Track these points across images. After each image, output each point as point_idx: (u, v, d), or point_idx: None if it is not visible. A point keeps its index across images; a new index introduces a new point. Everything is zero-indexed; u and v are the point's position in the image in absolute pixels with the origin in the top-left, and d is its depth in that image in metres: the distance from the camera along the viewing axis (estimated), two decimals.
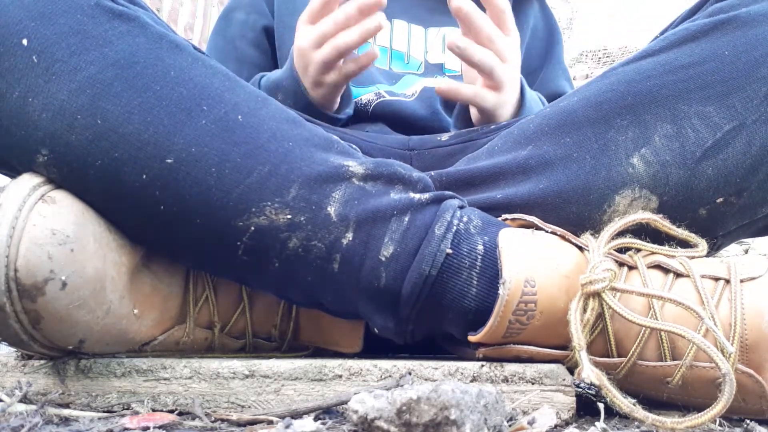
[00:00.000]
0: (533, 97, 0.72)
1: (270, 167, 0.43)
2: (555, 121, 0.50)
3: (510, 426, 0.36)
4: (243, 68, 0.84)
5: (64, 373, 0.44)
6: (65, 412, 0.40)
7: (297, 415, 0.39)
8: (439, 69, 0.82)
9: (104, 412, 0.42)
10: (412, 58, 0.81)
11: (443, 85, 0.65)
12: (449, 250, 0.43)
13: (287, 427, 0.34)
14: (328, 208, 0.43)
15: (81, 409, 0.43)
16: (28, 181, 0.41)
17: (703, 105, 0.46)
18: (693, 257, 0.45)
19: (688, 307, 0.38)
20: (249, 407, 0.42)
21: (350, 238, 0.43)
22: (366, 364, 0.43)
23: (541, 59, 0.89)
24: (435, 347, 0.53)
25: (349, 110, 0.72)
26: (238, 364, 0.43)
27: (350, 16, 0.61)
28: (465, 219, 0.45)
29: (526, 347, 0.43)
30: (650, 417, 0.35)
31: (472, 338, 0.43)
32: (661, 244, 0.45)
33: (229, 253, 0.44)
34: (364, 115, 0.74)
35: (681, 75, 0.47)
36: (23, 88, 0.41)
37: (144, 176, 0.42)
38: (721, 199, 0.47)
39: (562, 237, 0.45)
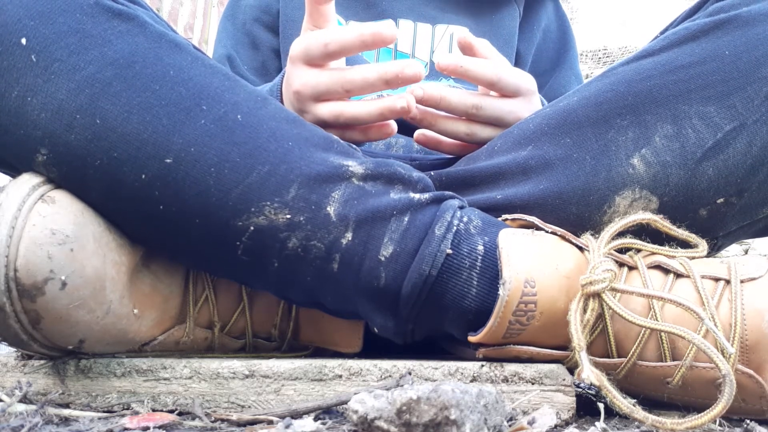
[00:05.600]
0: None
1: (269, 167, 0.43)
2: (555, 120, 0.50)
3: (510, 426, 0.36)
4: (258, 53, 0.81)
5: (64, 373, 0.44)
6: (65, 412, 0.40)
7: (297, 415, 0.39)
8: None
9: (104, 412, 0.42)
10: (417, 59, 0.80)
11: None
12: (449, 251, 0.43)
13: (287, 427, 0.34)
14: (328, 208, 0.43)
15: (81, 409, 0.43)
16: (28, 180, 0.41)
17: (703, 105, 0.46)
18: (693, 257, 0.45)
19: (689, 307, 0.38)
20: (249, 407, 0.42)
21: (350, 238, 0.43)
22: (366, 364, 0.43)
23: (552, 62, 0.87)
24: (435, 347, 0.53)
25: None
26: (238, 364, 0.43)
27: (368, 79, 0.50)
28: (465, 219, 0.45)
29: (526, 348, 0.43)
30: (650, 417, 0.35)
31: (472, 339, 0.43)
32: (661, 244, 0.45)
33: (229, 253, 0.44)
34: None
35: (681, 75, 0.47)
36: (22, 87, 0.41)
37: (143, 176, 0.42)
38: (721, 200, 0.46)
39: (563, 237, 0.45)
